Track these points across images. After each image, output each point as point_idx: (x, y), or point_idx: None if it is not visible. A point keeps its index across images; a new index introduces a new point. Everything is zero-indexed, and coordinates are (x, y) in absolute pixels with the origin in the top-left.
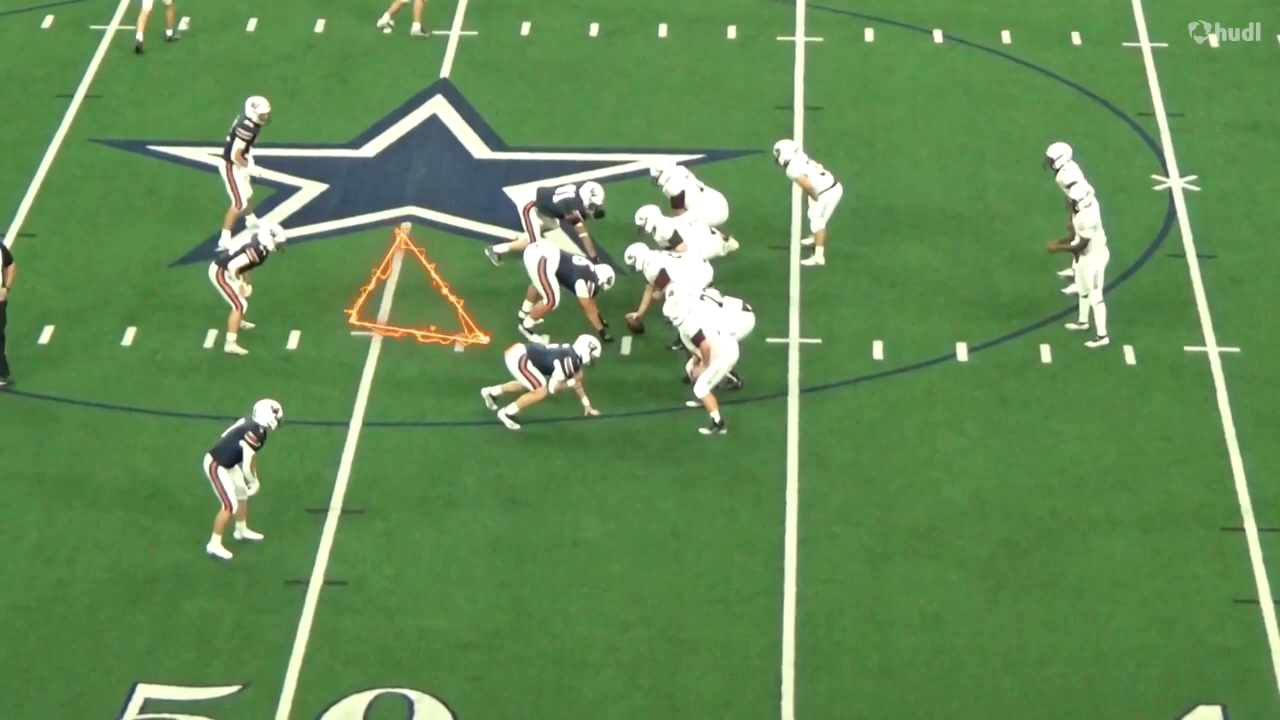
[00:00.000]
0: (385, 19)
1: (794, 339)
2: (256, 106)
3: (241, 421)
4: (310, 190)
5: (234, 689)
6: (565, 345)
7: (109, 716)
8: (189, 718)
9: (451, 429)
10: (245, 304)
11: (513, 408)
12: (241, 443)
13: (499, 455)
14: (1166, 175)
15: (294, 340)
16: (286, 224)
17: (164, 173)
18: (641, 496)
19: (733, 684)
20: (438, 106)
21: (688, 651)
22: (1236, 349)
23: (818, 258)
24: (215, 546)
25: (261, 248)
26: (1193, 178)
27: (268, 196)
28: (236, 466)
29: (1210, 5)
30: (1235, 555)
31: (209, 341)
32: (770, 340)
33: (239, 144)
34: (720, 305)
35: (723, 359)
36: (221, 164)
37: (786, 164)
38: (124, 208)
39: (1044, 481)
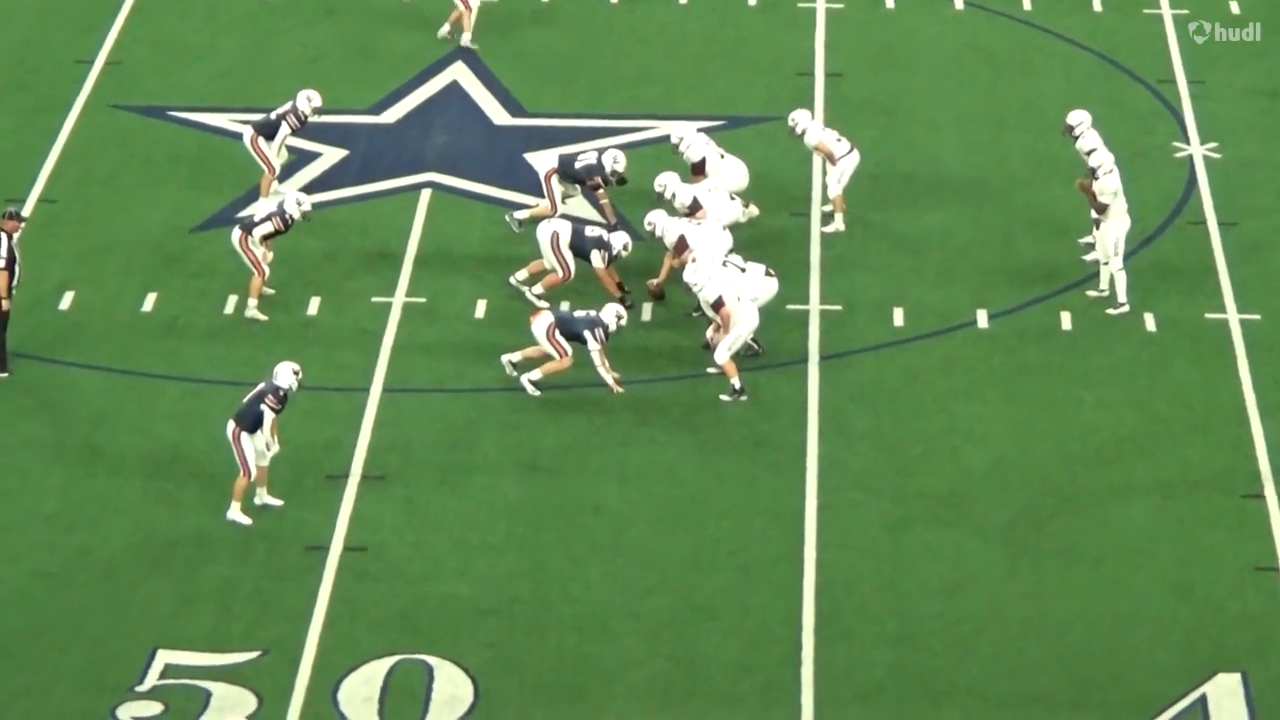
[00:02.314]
0: (445, 29)
1: (814, 306)
2: (311, 100)
3: (262, 385)
4: (331, 156)
5: (254, 655)
6: (593, 313)
7: (129, 682)
8: (209, 683)
9: (472, 395)
10: (267, 270)
11: (536, 374)
12: (262, 406)
13: (519, 421)
14: (1187, 142)
15: (314, 306)
16: (307, 190)
17: (184, 138)
18: (662, 463)
19: (752, 650)
20: (458, 72)
21: (707, 618)
22: (1257, 316)
23: (838, 224)
24: (235, 513)
25: (287, 216)
26: (1213, 145)
27: (289, 162)
28: (258, 431)
29: None
30: (1255, 522)
31: (229, 307)
32: (790, 307)
33: (285, 130)
34: (743, 271)
35: (742, 325)
36: (248, 134)
37: (804, 133)
38: (144, 173)
39: (1064, 449)
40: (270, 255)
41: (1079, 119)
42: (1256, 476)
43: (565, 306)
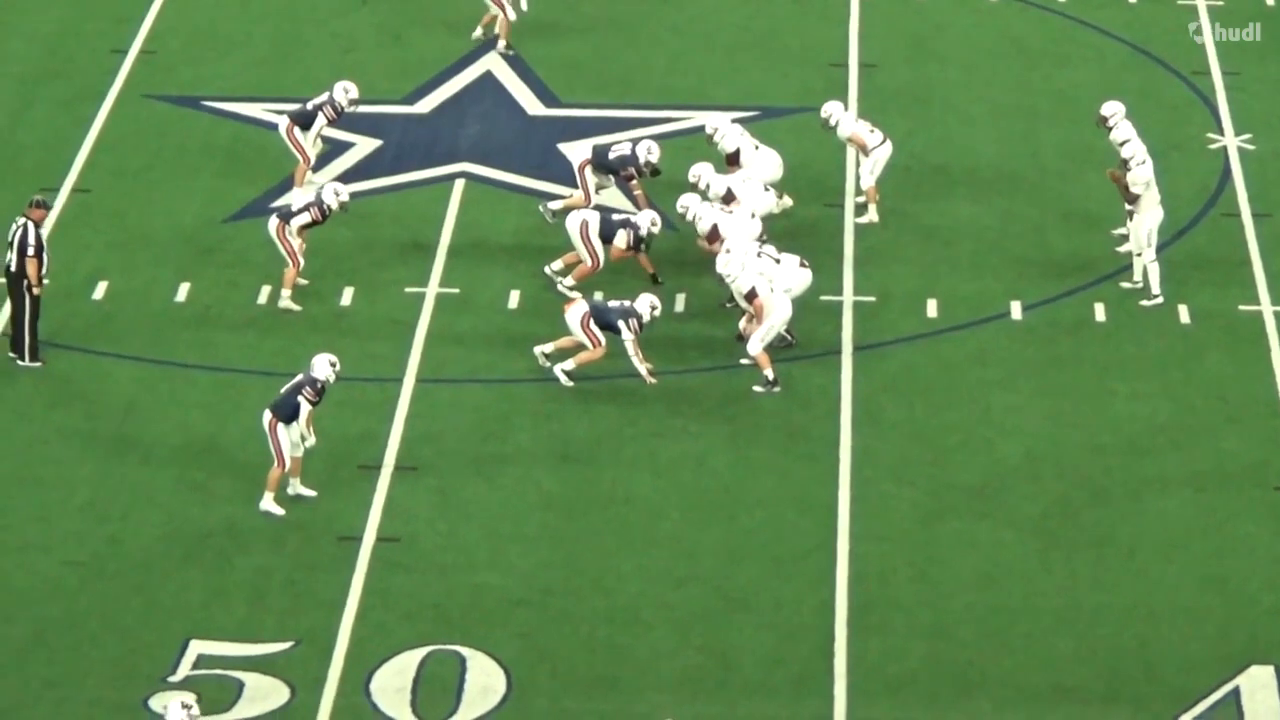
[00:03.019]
0: (478, 31)
1: (848, 297)
2: (348, 91)
3: (300, 377)
4: (364, 146)
5: (287, 645)
6: (627, 303)
7: (162, 672)
8: (242, 673)
9: (505, 385)
10: (302, 261)
11: (570, 364)
12: (299, 398)
13: (552, 412)
14: (1221, 134)
15: (347, 296)
16: (342, 179)
17: (218, 128)
18: (695, 454)
19: (785, 642)
20: (492, 63)
21: (740, 609)
22: None
23: (871, 215)
24: (268, 503)
25: (325, 206)
26: (1247, 136)
27: (322, 153)
28: (294, 423)
29: None
30: None
31: (262, 297)
32: (824, 298)
33: (321, 121)
34: (777, 262)
35: (775, 315)
36: (283, 124)
37: (836, 125)
38: (178, 163)
39: (1097, 440)
40: (304, 246)
41: (1113, 110)
42: None
43: (599, 297)
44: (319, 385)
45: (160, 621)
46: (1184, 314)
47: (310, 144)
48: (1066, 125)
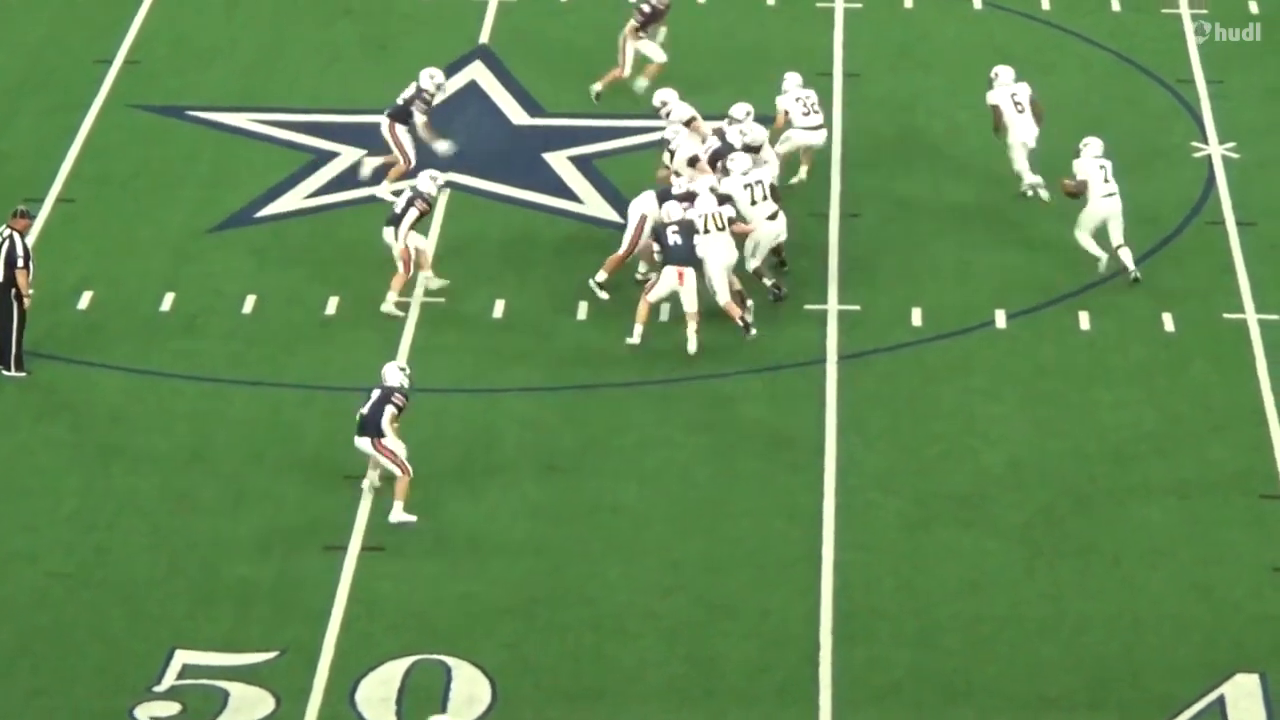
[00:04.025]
0: (598, 86)
1: (832, 305)
2: (434, 77)
3: (378, 392)
4: (349, 156)
5: (272, 655)
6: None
7: (147, 682)
8: (227, 683)
9: (490, 395)
10: (414, 264)
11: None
12: (388, 406)
13: (537, 422)
14: (1206, 142)
15: (332, 306)
16: (325, 190)
17: (203, 138)
18: (680, 463)
19: (770, 650)
20: (477, 72)
21: (725, 618)
22: (1276, 316)
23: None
24: (398, 514)
25: (427, 196)
26: (1232, 144)
27: (306, 162)
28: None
29: None
30: (1274, 523)
31: (248, 307)
32: (809, 307)
33: (420, 116)
34: (753, 204)
35: (761, 232)
36: (384, 124)
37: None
38: (163, 173)
39: (1082, 449)
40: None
41: (998, 71)
42: (1275, 477)
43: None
44: (404, 391)
45: (146, 631)
46: (1168, 322)
47: (409, 142)
48: (1051, 133)
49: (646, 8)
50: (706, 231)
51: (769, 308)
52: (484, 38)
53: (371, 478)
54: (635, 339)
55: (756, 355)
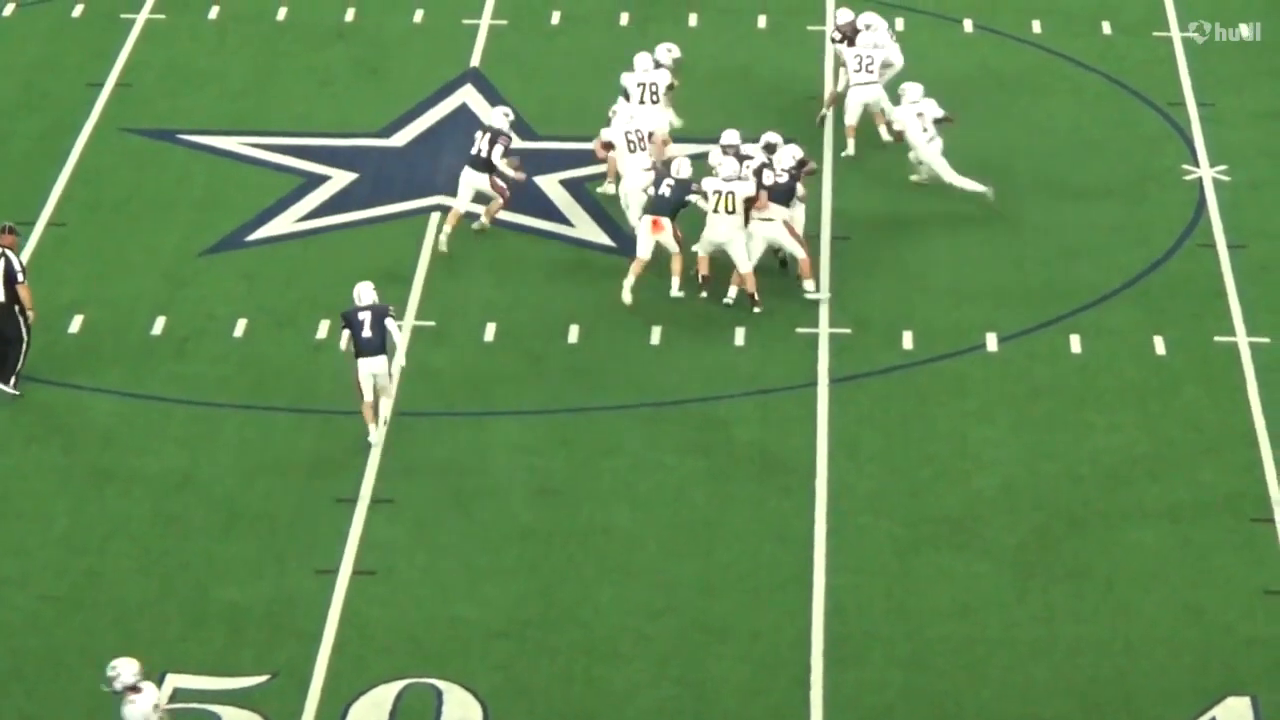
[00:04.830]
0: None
1: (824, 329)
2: (507, 115)
3: (370, 312)
4: (340, 179)
5: (263, 678)
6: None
7: None
8: (219, 707)
9: (481, 418)
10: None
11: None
12: (387, 320)
13: (529, 444)
14: (1197, 165)
15: (323, 329)
16: (316, 213)
17: (194, 162)
18: (671, 486)
19: (762, 673)
20: (468, 95)
21: (717, 641)
22: (1267, 339)
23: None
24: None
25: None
26: (1223, 167)
27: (297, 185)
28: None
29: None
30: (1265, 546)
31: (239, 330)
32: (800, 330)
33: (500, 151)
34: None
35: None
36: (469, 176)
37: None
38: (154, 197)
39: (1074, 471)
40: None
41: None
42: (1266, 500)
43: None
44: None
45: (137, 654)
46: (1160, 345)
47: (504, 180)
48: (1043, 156)
49: None
50: (715, 211)
51: (760, 331)
52: (475, 61)
53: (372, 431)
54: (627, 297)
55: (748, 378)
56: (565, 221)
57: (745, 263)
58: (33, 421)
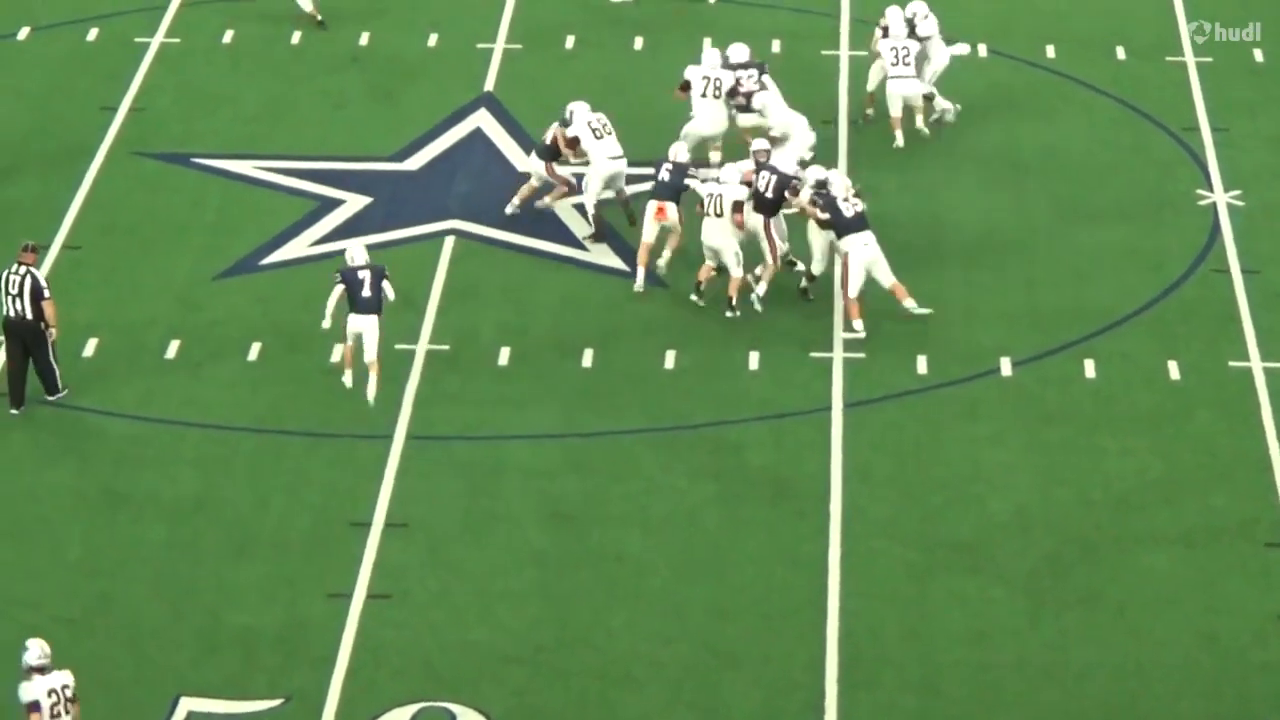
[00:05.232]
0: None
1: (838, 353)
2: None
3: (369, 271)
4: (354, 203)
5: (277, 702)
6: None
7: None
8: None
9: (495, 442)
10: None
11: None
12: (384, 281)
13: (542, 469)
14: (1210, 190)
15: (337, 353)
16: (330, 237)
17: (208, 186)
18: (684, 510)
19: (775, 699)
20: (482, 120)
21: (730, 666)
22: None
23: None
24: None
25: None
26: (1237, 192)
27: (311, 209)
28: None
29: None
30: (1278, 572)
31: (252, 354)
32: (814, 355)
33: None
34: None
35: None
36: (538, 166)
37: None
38: (168, 220)
39: (1087, 496)
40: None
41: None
42: (1279, 525)
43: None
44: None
45: (150, 678)
46: (1174, 370)
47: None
48: (1055, 180)
49: None
50: (706, 215)
51: (774, 355)
52: (489, 85)
53: (348, 375)
54: (639, 286)
55: (762, 403)
56: (579, 246)
57: (736, 269)
58: (46, 444)
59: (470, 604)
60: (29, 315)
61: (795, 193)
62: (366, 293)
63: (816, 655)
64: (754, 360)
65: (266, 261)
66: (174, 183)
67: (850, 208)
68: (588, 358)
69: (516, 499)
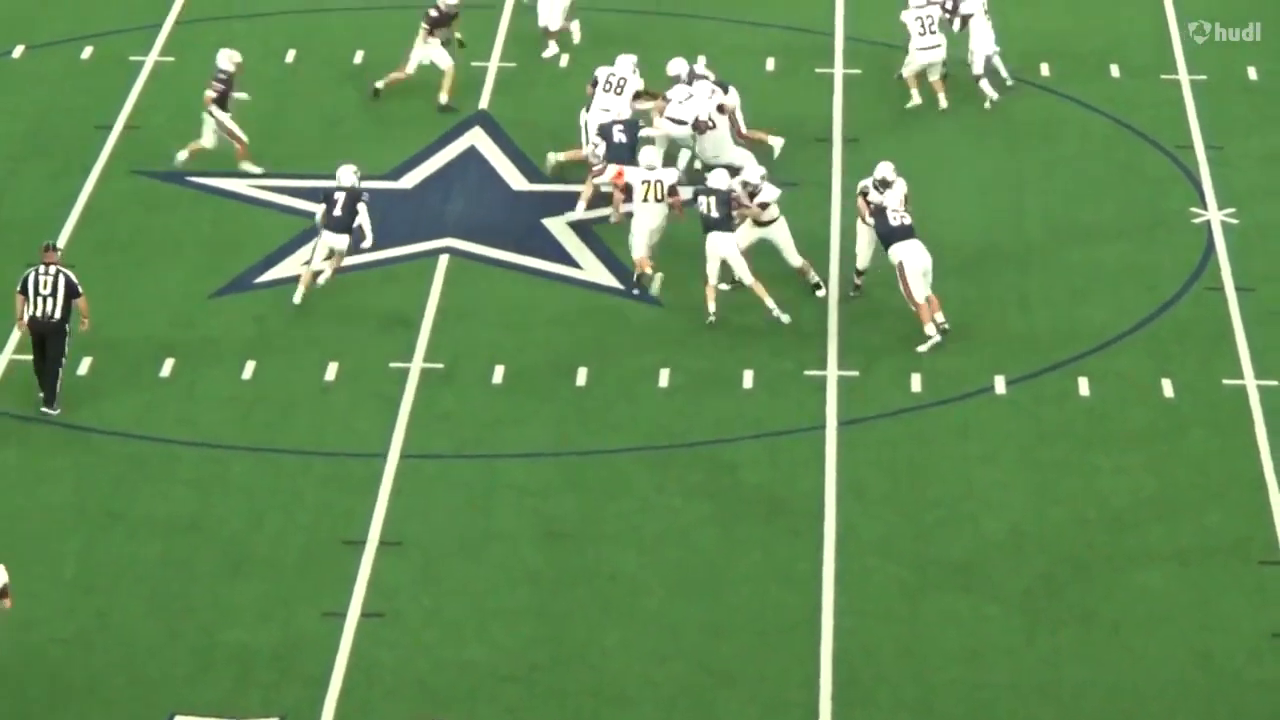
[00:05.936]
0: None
1: (832, 371)
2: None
3: (345, 194)
4: None
5: None
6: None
7: None
8: None
9: (489, 461)
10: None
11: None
12: (359, 203)
13: (537, 488)
14: (1205, 208)
15: (331, 371)
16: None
17: (202, 203)
18: (679, 529)
19: (770, 717)
20: (476, 138)
21: (725, 684)
22: (1275, 382)
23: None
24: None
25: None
26: (1231, 210)
27: (306, 228)
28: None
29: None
30: (1273, 589)
31: (247, 372)
32: (808, 373)
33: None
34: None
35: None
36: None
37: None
38: (162, 239)
39: (1081, 515)
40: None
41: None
42: (1274, 543)
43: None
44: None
45: (145, 696)
46: (1168, 388)
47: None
48: (1050, 198)
49: (435, 12)
50: (645, 200)
51: (768, 373)
52: (483, 104)
53: (300, 294)
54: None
55: (756, 421)
56: (574, 264)
57: (748, 276)
58: (42, 463)
59: (465, 622)
60: (56, 316)
61: (739, 203)
62: (338, 212)
63: (811, 674)
64: (748, 379)
65: (261, 280)
66: (169, 201)
67: (898, 217)
68: (582, 376)
69: (511, 517)
